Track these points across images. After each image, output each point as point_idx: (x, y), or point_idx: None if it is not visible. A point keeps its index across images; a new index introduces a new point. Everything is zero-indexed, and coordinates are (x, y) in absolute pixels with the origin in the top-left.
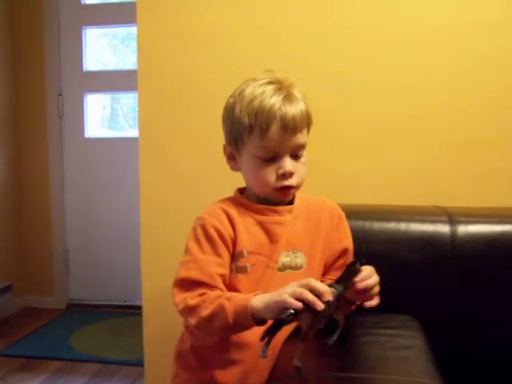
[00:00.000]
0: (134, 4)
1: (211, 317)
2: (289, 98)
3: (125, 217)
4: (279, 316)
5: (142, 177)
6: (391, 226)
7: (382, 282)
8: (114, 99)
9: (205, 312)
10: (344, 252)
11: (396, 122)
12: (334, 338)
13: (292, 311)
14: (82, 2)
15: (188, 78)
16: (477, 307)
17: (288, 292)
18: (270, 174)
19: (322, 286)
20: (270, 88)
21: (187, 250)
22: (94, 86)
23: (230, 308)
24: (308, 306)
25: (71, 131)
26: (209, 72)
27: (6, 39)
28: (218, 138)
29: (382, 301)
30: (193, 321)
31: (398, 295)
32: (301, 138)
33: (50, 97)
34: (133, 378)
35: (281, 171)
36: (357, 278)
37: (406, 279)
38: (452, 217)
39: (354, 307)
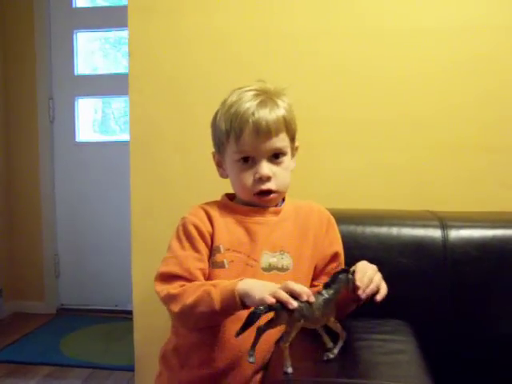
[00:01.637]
0: (125, 8)
1: (195, 303)
2: (265, 103)
3: (116, 221)
4: (253, 311)
5: (132, 181)
6: (383, 230)
7: None
8: (106, 103)
9: (189, 299)
10: (335, 256)
11: (387, 126)
12: (336, 351)
13: (264, 306)
14: (74, 6)
15: (179, 82)
16: (468, 312)
17: (268, 292)
18: (248, 178)
19: (299, 287)
20: (248, 94)
21: (169, 248)
22: (85, 90)
23: (216, 294)
24: (283, 304)
25: (62, 135)
26: (200, 76)
27: None
28: (210, 143)
29: (373, 305)
30: (176, 308)
31: (389, 300)
32: (277, 142)
33: (41, 101)
34: (124, 383)
35: (257, 175)
36: (359, 291)
37: (397, 284)
38: (444, 221)
39: (355, 306)
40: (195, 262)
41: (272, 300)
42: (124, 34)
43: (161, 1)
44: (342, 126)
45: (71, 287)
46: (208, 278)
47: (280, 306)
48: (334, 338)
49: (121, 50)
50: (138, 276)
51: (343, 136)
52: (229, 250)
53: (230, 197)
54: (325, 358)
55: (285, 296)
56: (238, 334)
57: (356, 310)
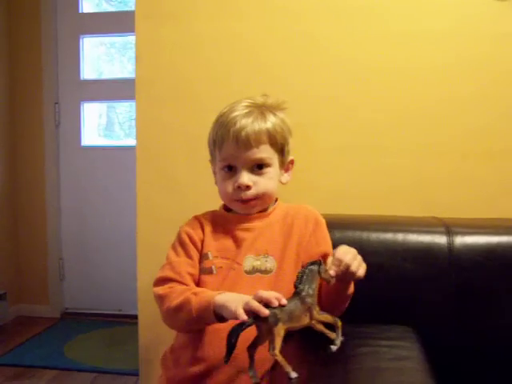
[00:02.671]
0: (131, 13)
1: (178, 308)
2: (250, 114)
3: (120, 225)
4: (231, 330)
5: (139, 185)
6: (388, 236)
7: (378, 293)
8: (110, 108)
9: (173, 303)
10: (324, 257)
11: (393, 132)
12: (338, 342)
13: (240, 324)
14: (80, 11)
15: (185, 87)
16: (474, 318)
17: (242, 304)
18: (229, 186)
19: (266, 294)
20: (239, 106)
21: (166, 257)
22: (90, 95)
23: (195, 302)
24: (257, 316)
25: (68, 139)
26: (206, 81)
27: (3, 47)
28: None
29: (378, 311)
30: (162, 309)
31: (394, 306)
32: (257, 153)
33: (47, 105)
34: None
35: (236, 184)
36: (333, 270)
37: (402, 290)
38: (449, 228)
39: (351, 289)
40: (187, 267)
41: (244, 317)
42: (129, 39)
43: (168, 6)
44: (347, 132)
45: (76, 291)
46: (197, 283)
47: (252, 320)
48: (332, 328)
49: (126, 55)
50: (144, 280)
51: (348, 142)
52: (217, 257)
53: (227, 207)
54: (329, 352)
55: (256, 305)
56: (227, 360)
57: (361, 314)
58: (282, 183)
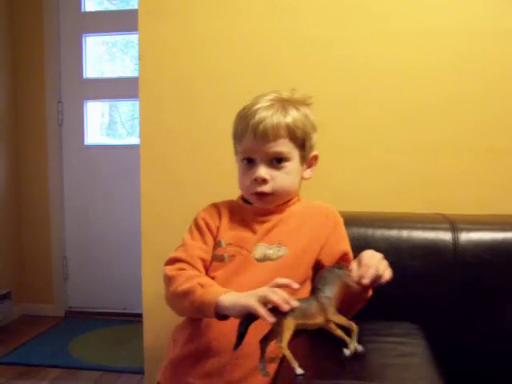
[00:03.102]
0: (133, 12)
1: (182, 295)
2: (271, 108)
3: (124, 224)
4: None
5: (142, 184)
6: (393, 233)
7: (383, 290)
8: (113, 107)
9: (178, 288)
10: (344, 256)
11: (397, 129)
12: (352, 346)
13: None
14: (82, 10)
15: (189, 85)
16: (479, 315)
17: (256, 297)
18: (247, 178)
19: (277, 297)
20: (263, 99)
21: (182, 240)
22: (93, 94)
23: (199, 295)
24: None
25: (71, 138)
26: (209, 80)
27: (5, 46)
28: (219, 146)
29: (384, 308)
30: (168, 291)
31: (400, 302)
32: (275, 147)
33: (50, 104)
34: None
35: (253, 177)
36: (361, 279)
37: (408, 286)
38: (454, 224)
39: (369, 294)
40: (200, 252)
41: (271, 320)
42: (132, 37)
43: (171, 4)
44: (351, 129)
45: (80, 290)
46: (208, 269)
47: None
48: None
49: (128, 54)
50: (148, 279)
51: (352, 139)
52: (230, 244)
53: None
54: (343, 356)
55: (276, 299)
56: (236, 347)
57: (367, 311)
58: (305, 179)
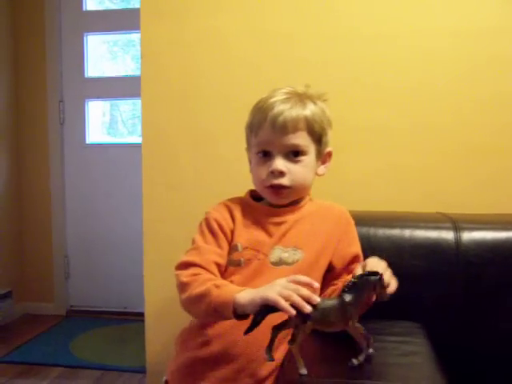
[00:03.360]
0: (134, 11)
1: (198, 298)
2: (289, 100)
3: (125, 223)
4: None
5: (144, 183)
6: (395, 232)
7: None
8: (114, 106)
9: (195, 291)
10: (355, 258)
11: (400, 128)
12: (361, 358)
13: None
14: (84, 9)
15: (191, 83)
16: (481, 313)
17: (277, 291)
18: (263, 171)
19: (304, 279)
20: (279, 92)
21: (192, 241)
22: (95, 93)
23: (215, 295)
24: (296, 308)
25: (72, 137)
26: (212, 78)
27: (7, 45)
28: (222, 144)
29: (386, 307)
30: (183, 296)
31: (402, 302)
32: (293, 139)
33: (52, 103)
34: None
35: (270, 169)
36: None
37: (410, 286)
38: (456, 223)
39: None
40: (215, 256)
41: (292, 312)
42: (133, 36)
43: (173, 3)
44: (355, 129)
45: (81, 289)
46: (223, 273)
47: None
48: (358, 345)
49: (129, 53)
50: (150, 278)
51: (356, 139)
52: (246, 248)
53: (254, 193)
54: (349, 364)
55: (298, 300)
56: (247, 332)
57: (368, 310)
58: (319, 175)
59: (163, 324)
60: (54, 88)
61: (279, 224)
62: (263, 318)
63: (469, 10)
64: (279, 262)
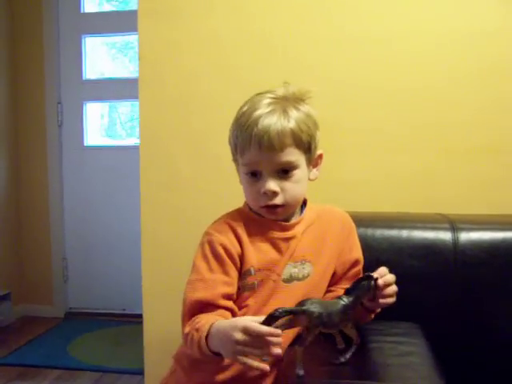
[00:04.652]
0: (132, 13)
1: (190, 346)
2: (273, 114)
3: (124, 225)
4: (272, 313)
5: (142, 185)
6: (393, 233)
7: None
8: (112, 108)
9: (190, 349)
10: (355, 263)
11: (398, 130)
12: (348, 355)
13: (285, 310)
14: (82, 11)
15: (189, 85)
16: (479, 314)
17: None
18: (255, 192)
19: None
20: (262, 103)
21: (195, 268)
22: (93, 95)
23: (195, 343)
24: (303, 310)
25: (70, 139)
26: (210, 80)
27: (5, 47)
28: (220, 146)
29: (383, 308)
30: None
31: (400, 302)
32: (282, 157)
33: (50, 105)
34: None
35: (262, 190)
36: (386, 291)
37: (408, 286)
38: (454, 224)
39: (373, 315)
40: (223, 287)
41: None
42: (131, 38)
43: (171, 5)
44: (353, 130)
45: (79, 291)
46: (236, 300)
47: (301, 310)
48: (349, 341)
49: (127, 55)
50: (148, 280)
51: (353, 140)
52: (260, 270)
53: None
54: (336, 362)
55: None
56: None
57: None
58: (311, 180)
59: (162, 326)
60: (52, 90)
61: (288, 240)
62: (270, 324)
63: (469, 11)
64: (290, 279)
